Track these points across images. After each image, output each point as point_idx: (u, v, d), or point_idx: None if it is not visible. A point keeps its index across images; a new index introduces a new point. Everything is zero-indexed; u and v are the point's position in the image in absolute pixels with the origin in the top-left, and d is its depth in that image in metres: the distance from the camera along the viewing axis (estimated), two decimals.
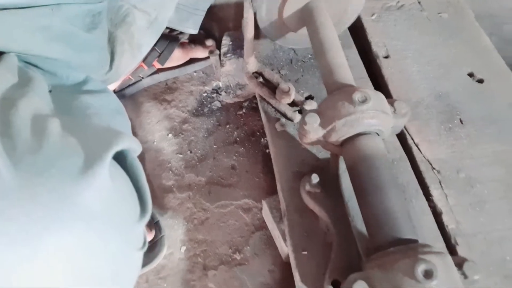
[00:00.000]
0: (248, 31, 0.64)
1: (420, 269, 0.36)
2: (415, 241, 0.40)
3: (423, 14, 0.80)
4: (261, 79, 0.71)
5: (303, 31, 0.63)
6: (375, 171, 0.44)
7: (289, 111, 0.66)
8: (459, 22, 0.80)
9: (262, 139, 0.82)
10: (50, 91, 0.46)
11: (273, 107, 0.69)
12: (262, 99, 0.70)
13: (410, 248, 0.38)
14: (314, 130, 0.48)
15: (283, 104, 0.67)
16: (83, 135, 0.34)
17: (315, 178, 0.55)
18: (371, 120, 0.46)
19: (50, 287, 0.29)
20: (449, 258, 0.38)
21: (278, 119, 0.67)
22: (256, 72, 0.72)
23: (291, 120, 0.67)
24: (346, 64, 0.53)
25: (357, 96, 0.46)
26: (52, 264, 0.29)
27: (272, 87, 0.69)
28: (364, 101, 0.45)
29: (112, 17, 0.68)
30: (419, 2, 0.82)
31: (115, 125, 0.50)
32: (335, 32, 0.57)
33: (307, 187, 0.56)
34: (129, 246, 0.37)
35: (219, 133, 0.83)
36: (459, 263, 0.39)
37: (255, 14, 0.61)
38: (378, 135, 0.48)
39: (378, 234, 0.41)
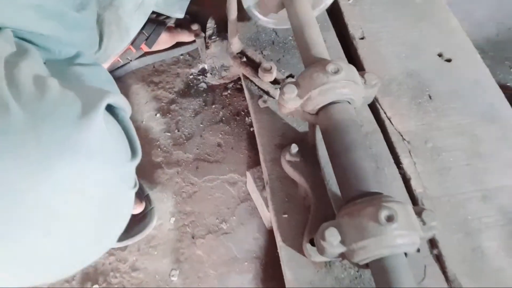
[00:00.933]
0: (232, 13, 0.68)
1: (383, 214, 0.41)
2: (380, 194, 0.45)
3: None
4: (244, 59, 0.75)
5: (284, 12, 0.67)
6: (346, 134, 0.48)
7: (271, 89, 0.71)
8: (431, 6, 0.85)
9: (247, 118, 0.86)
10: (44, 63, 0.50)
11: (256, 85, 0.73)
12: (246, 77, 0.74)
13: (375, 198, 0.43)
14: (292, 100, 0.52)
15: (266, 82, 0.71)
16: (80, 90, 0.39)
17: (294, 148, 0.60)
18: (343, 89, 0.50)
19: (56, 212, 0.33)
20: (409, 206, 0.43)
21: (260, 96, 0.71)
22: (240, 53, 0.76)
23: (272, 97, 0.71)
24: (322, 41, 0.57)
25: (330, 67, 0.50)
26: (58, 191, 0.33)
27: (255, 66, 0.73)
28: (336, 72, 0.50)
29: (99, 0, 0.71)
30: None
31: (106, 88, 0.54)
32: (312, 12, 0.61)
33: (287, 157, 0.61)
34: (123, 182, 0.41)
35: (206, 113, 0.87)
36: (419, 212, 0.44)
37: None
38: (349, 103, 0.52)
39: (348, 189, 0.46)
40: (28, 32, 0.50)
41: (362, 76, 0.54)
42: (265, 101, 0.70)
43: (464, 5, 1.09)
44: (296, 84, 0.53)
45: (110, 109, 0.43)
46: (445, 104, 0.71)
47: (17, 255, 0.34)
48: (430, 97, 0.72)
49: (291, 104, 0.52)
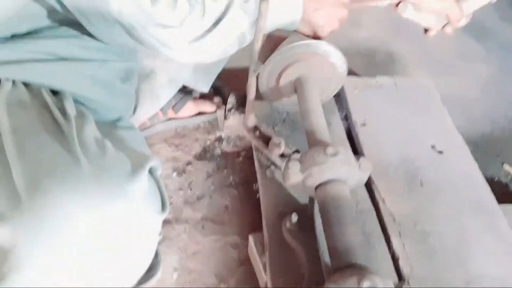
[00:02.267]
0: (250, 93, 0.79)
1: (365, 284, 0.46)
2: (366, 267, 0.51)
3: (398, 93, 0.96)
4: (257, 133, 0.84)
5: (295, 97, 0.78)
6: (339, 209, 0.55)
7: (279, 161, 0.79)
8: (428, 102, 0.96)
9: (254, 185, 0.94)
10: None
11: (265, 156, 0.81)
12: (257, 149, 0.83)
13: (360, 269, 0.49)
14: (295, 174, 0.60)
15: (274, 155, 0.80)
16: (127, 151, 0.49)
17: (294, 217, 0.67)
18: (339, 170, 0.58)
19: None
20: (390, 281, 0.49)
21: (268, 167, 0.79)
22: (254, 127, 0.86)
23: (279, 168, 0.79)
24: (325, 126, 0.67)
25: (329, 150, 0.59)
26: (108, 222, 0.44)
27: (266, 140, 0.82)
28: (335, 154, 0.58)
29: (140, 72, 0.83)
30: (395, 84, 0.99)
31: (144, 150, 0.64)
32: (319, 100, 0.71)
33: (288, 225, 0.67)
34: (153, 229, 0.50)
35: (217, 176, 0.95)
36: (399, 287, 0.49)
37: (257, 80, 0.76)
38: (344, 183, 0.60)
39: (336, 259, 0.52)
40: (82, 96, 0.61)
41: (358, 160, 0.62)
42: (272, 172, 0.78)
43: (462, 102, 1.20)
44: (300, 160, 0.61)
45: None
46: (436, 191, 0.78)
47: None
48: (421, 183, 0.79)
49: (294, 177, 0.60)
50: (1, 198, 0.43)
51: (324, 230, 0.57)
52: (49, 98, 0.54)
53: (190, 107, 1.03)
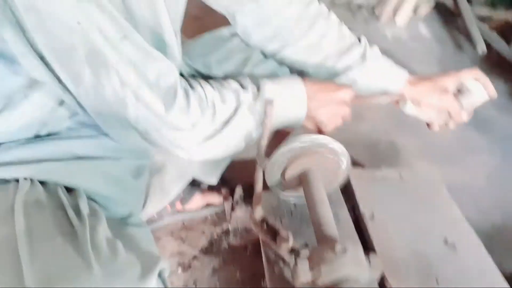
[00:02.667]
0: (258, 186, 0.80)
1: None
2: None
3: (403, 185, 0.97)
4: (265, 226, 0.84)
5: (302, 189, 0.79)
6: None
7: (287, 256, 0.77)
8: (435, 195, 0.96)
9: (262, 282, 0.90)
10: None
11: (273, 251, 0.80)
12: (265, 244, 0.82)
13: None
14: (304, 274, 0.58)
15: (282, 250, 0.78)
16: (137, 252, 0.49)
17: None
18: (349, 268, 0.57)
19: None
20: None
21: (277, 262, 0.77)
22: (261, 220, 0.85)
23: (288, 265, 0.77)
24: (332, 220, 0.66)
25: (338, 248, 0.58)
26: None
27: (274, 234, 0.81)
28: (344, 252, 0.57)
29: (151, 167, 0.86)
30: (400, 176, 1.00)
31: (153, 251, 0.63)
32: (325, 194, 0.72)
33: None
34: None
35: (224, 272, 0.92)
36: None
37: (264, 173, 0.78)
38: (355, 282, 0.58)
39: None
40: (95, 193, 0.62)
41: (367, 256, 0.60)
42: (281, 268, 0.76)
43: (469, 193, 1.20)
44: (309, 259, 0.60)
45: None
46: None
47: None
48: (437, 281, 0.76)
49: (303, 277, 0.59)
50: None
51: None
52: (64, 197, 0.55)
53: (198, 199, 1.04)
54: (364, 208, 0.90)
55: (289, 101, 0.72)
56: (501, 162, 1.38)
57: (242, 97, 0.67)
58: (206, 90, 0.65)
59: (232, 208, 0.96)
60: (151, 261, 0.50)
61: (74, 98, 0.57)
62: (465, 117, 0.86)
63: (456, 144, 1.47)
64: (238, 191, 1.00)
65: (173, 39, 0.66)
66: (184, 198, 1.00)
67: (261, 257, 0.88)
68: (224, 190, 1.07)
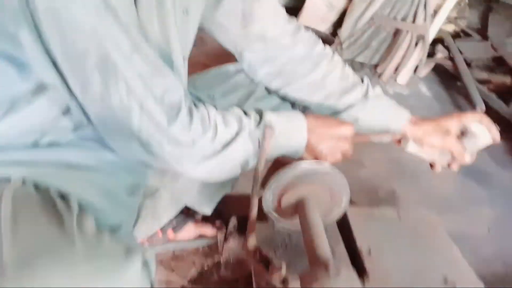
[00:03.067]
0: (252, 213, 0.78)
1: None
2: None
3: (401, 224, 0.95)
4: (257, 256, 0.81)
5: (297, 219, 0.77)
6: None
7: (279, 285, 0.74)
8: (433, 235, 0.93)
9: None
10: None
11: (265, 281, 0.76)
12: (256, 274, 0.78)
13: None
14: None
15: (275, 279, 0.75)
16: (124, 242, 0.47)
17: None
18: None
19: None
20: None
21: None
22: (254, 249, 0.82)
23: None
24: (327, 244, 0.64)
25: (332, 270, 0.56)
26: None
27: (266, 264, 0.78)
28: (337, 274, 0.55)
29: (145, 190, 0.85)
30: (398, 215, 0.98)
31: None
32: (320, 220, 0.70)
33: None
34: None
35: None
36: None
37: (259, 200, 0.77)
38: None
39: None
40: (87, 202, 0.62)
41: (362, 281, 0.58)
42: None
43: (470, 241, 1.17)
44: (301, 279, 0.57)
45: None
46: None
47: None
48: None
49: None
50: None
51: None
52: (54, 195, 0.55)
53: (191, 229, 1.02)
54: (361, 243, 0.88)
55: (289, 131, 0.72)
56: (501, 214, 1.36)
57: (244, 123, 0.68)
58: (210, 111, 0.66)
59: (225, 239, 0.94)
60: (136, 246, 0.48)
61: (80, 105, 0.58)
62: (468, 159, 0.84)
63: (457, 194, 1.46)
64: (233, 221, 0.98)
65: (180, 61, 0.69)
66: (176, 226, 0.98)
67: None
68: (217, 222, 1.05)
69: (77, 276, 0.44)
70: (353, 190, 1.43)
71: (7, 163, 0.58)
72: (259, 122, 0.69)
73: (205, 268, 0.97)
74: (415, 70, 2.43)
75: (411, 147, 0.82)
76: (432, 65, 2.53)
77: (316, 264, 0.59)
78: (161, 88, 0.58)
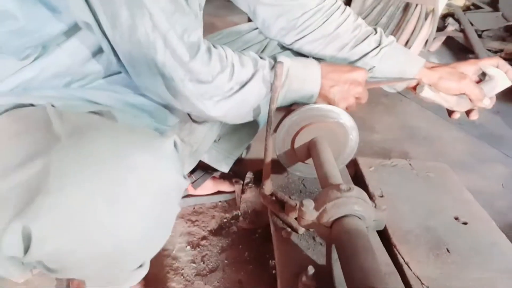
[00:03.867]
0: (267, 156, 0.82)
1: None
2: None
3: (413, 172, 0.97)
4: (274, 198, 0.85)
5: (310, 161, 0.80)
6: (356, 240, 0.53)
7: (295, 223, 0.77)
8: (445, 180, 0.95)
9: (270, 262, 0.89)
10: None
11: (281, 220, 0.80)
12: (273, 213, 0.82)
13: None
14: (309, 212, 0.59)
15: (290, 217, 0.79)
16: None
17: (311, 270, 0.63)
18: (355, 204, 0.57)
19: None
20: None
21: (284, 228, 0.77)
22: (270, 194, 0.86)
23: (295, 231, 0.77)
24: (338, 174, 0.68)
25: (343, 186, 0.59)
26: (137, 171, 0.50)
27: (282, 205, 0.82)
28: (348, 190, 0.58)
29: None
30: (410, 164, 1.01)
31: None
32: (332, 156, 0.74)
33: (304, 279, 0.63)
34: (178, 189, 0.58)
35: (232, 251, 0.92)
36: None
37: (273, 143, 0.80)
38: (360, 219, 0.58)
39: (353, 286, 0.48)
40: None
41: (373, 201, 0.61)
42: (288, 233, 0.76)
43: (484, 197, 1.18)
44: (314, 199, 0.61)
45: None
46: (464, 259, 0.73)
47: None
48: (448, 250, 0.74)
49: (308, 215, 0.59)
50: (41, 143, 0.48)
51: (342, 265, 0.53)
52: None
53: (209, 185, 1.06)
54: (374, 189, 0.91)
55: (303, 76, 0.75)
56: None
57: (260, 65, 0.71)
58: (227, 52, 0.69)
59: (243, 191, 0.97)
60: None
61: (110, 44, 0.62)
62: (487, 102, 0.83)
63: (470, 155, 1.47)
64: (249, 175, 1.01)
65: (197, 7, 0.72)
66: (196, 182, 1.02)
67: (270, 240, 0.88)
68: (235, 179, 1.09)
69: (120, 142, 0.50)
70: (366, 153, 1.46)
71: (40, 97, 0.62)
72: (273, 66, 0.72)
73: (224, 221, 1.01)
74: (425, 44, 2.42)
75: (426, 93, 0.81)
76: (442, 38, 2.51)
77: (328, 186, 0.62)
78: (182, 26, 0.61)
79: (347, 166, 0.96)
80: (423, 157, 1.42)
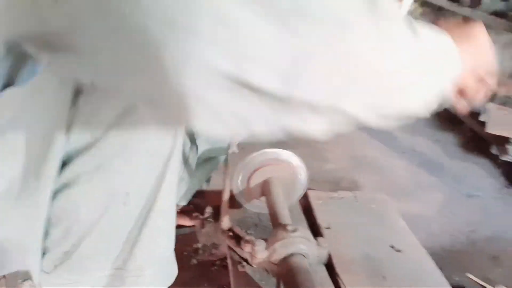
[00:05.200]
0: (225, 195, 0.90)
1: None
2: None
3: (357, 204, 1.08)
4: (231, 234, 0.92)
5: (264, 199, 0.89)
6: (298, 275, 0.61)
7: (249, 257, 0.85)
8: (384, 210, 1.07)
9: None
10: None
11: (237, 254, 0.87)
12: (230, 248, 0.89)
13: None
14: (260, 252, 0.67)
15: (245, 251, 0.86)
16: None
17: None
18: (300, 244, 0.66)
19: None
20: None
21: (240, 262, 0.84)
22: (228, 229, 0.93)
23: (250, 264, 0.84)
24: (287, 213, 0.76)
25: (290, 227, 0.68)
26: None
27: (238, 240, 0.89)
28: (294, 231, 0.67)
29: None
30: (354, 196, 1.12)
31: None
32: (282, 196, 0.82)
33: None
34: None
35: (193, 285, 0.97)
36: None
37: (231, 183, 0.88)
38: (304, 257, 0.67)
39: None
40: None
41: (316, 239, 0.70)
42: (243, 266, 0.83)
43: (421, 221, 1.32)
44: (265, 240, 0.69)
45: None
46: (396, 284, 0.83)
47: None
48: (384, 277, 0.84)
49: (260, 254, 0.67)
50: None
51: None
52: None
53: None
54: (321, 221, 1.00)
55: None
56: (449, 197, 1.52)
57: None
58: None
59: (202, 225, 1.04)
60: None
61: None
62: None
63: (411, 182, 1.62)
64: (208, 210, 1.08)
65: None
66: None
67: (228, 270, 0.95)
68: (195, 214, 1.15)
69: None
70: (317, 181, 1.56)
71: None
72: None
73: (184, 254, 1.06)
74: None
75: None
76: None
77: (277, 226, 0.70)
78: None
79: (300, 198, 1.05)
80: (370, 184, 1.55)
